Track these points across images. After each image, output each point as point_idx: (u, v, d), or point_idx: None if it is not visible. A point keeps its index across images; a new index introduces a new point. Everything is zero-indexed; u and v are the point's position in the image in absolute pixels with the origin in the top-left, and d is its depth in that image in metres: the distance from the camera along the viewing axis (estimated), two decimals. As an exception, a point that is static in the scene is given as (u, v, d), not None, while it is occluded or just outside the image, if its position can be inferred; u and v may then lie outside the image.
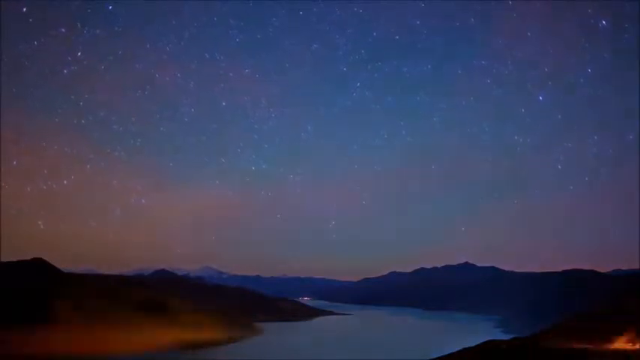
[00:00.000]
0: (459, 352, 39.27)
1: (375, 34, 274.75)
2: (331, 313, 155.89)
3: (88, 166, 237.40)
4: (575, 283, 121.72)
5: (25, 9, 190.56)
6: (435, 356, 41.21)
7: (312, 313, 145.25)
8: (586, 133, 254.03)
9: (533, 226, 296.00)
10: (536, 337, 43.07)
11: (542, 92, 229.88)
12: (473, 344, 39.49)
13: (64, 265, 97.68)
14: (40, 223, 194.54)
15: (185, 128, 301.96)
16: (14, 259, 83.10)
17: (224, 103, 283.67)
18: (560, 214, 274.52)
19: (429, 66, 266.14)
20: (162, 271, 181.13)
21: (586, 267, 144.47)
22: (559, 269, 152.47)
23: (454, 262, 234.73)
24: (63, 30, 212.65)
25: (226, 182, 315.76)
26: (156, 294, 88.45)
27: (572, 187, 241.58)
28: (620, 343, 38.45)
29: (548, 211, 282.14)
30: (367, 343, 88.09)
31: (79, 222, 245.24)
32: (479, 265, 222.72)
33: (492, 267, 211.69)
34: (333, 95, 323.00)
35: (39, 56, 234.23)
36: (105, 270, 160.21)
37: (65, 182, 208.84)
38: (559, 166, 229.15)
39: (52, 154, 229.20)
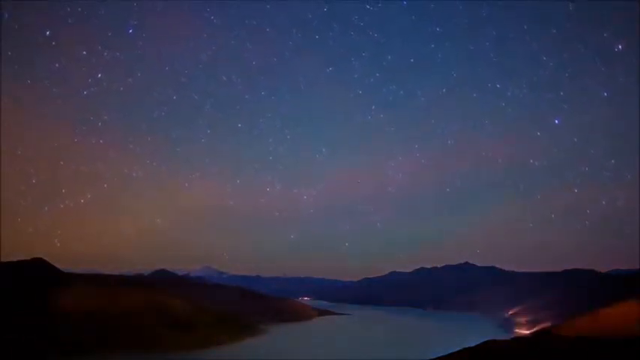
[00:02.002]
0: (459, 352, 39.29)
1: (389, 57, 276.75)
2: (331, 313, 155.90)
3: (105, 185, 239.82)
4: (575, 283, 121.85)
5: (48, 32, 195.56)
6: (435, 356, 41.18)
7: (312, 313, 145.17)
8: (602, 157, 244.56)
9: (533, 226, 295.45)
10: (537, 336, 43.10)
11: (558, 115, 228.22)
12: (473, 344, 39.50)
13: (64, 265, 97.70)
14: (56, 241, 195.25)
15: (201, 149, 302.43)
16: (14, 259, 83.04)
17: (240, 125, 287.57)
18: (560, 213, 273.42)
19: (444, 89, 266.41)
20: (162, 271, 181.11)
21: (586, 267, 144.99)
22: (559, 269, 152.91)
23: (454, 262, 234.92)
24: (84, 52, 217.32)
25: (240, 203, 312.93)
26: (156, 294, 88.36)
27: (588, 211, 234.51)
28: (620, 343, 38.46)
29: (548, 211, 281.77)
30: (367, 343, 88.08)
31: (91, 237, 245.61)
32: (479, 265, 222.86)
33: (492, 267, 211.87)
34: (347, 117, 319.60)
35: (60, 77, 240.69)
36: (105, 270, 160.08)
37: (82, 201, 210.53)
38: (575, 190, 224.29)
39: (70, 173, 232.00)
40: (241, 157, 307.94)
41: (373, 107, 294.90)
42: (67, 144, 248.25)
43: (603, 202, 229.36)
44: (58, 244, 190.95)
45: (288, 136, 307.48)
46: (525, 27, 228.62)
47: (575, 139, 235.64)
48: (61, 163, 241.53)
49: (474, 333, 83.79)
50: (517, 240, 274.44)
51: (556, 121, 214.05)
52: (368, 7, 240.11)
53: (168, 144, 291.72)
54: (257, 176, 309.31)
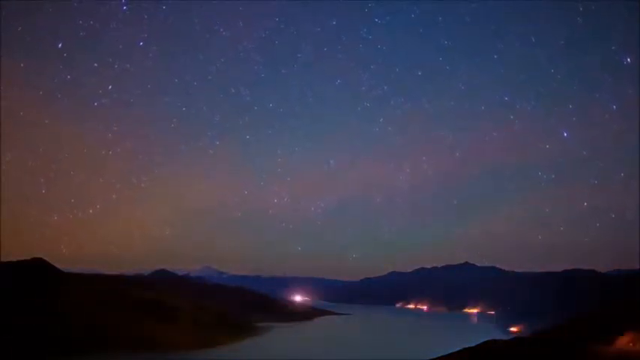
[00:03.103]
0: (459, 352, 39.28)
1: (397, 69, 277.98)
2: (331, 313, 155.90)
3: (114, 196, 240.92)
4: (575, 283, 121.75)
5: (60, 44, 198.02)
6: (435, 356, 41.18)
7: (312, 313, 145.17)
8: (612, 170, 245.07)
9: (533, 226, 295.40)
10: (537, 336, 43.09)
11: (567, 128, 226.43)
12: (473, 344, 39.49)
13: (64, 265, 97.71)
14: (62, 247, 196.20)
15: (209, 160, 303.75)
16: (14, 259, 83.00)
17: (248, 137, 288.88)
18: (561, 213, 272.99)
19: (452, 102, 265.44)
20: (162, 271, 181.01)
21: (586, 267, 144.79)
22: (559, 269, 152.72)
23: (454, 262, 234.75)
24: (95, 64, 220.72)
25: (248, 214, 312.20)
26: (156, 294, 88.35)
27: (598, 225, 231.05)
28: (621, 344, 38.43)
29: (549, 211, 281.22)
30: (367, 343, 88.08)
31: (98, 243, 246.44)
32: (479, 265, 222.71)
33: (492, 267, 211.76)
34: (355, 130, 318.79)
35: (71, 89, 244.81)
36: (105, 270, 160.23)
37: (91, 211, 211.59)
38: (585, 203, 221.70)
39: (80, 184, 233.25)
40: (249, 169, 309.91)
41: (381, 119, 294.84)
42: (77, 154, 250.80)
43: (612, 215, 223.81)
44: (65, 251, 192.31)
45: (296, 148, 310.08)
46: (533, 40, 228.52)
47: (585, 152, 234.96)
48: (71, 173, 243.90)
49: (474, 333, 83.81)
50: (517, 240, 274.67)
51: (565, 134, 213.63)
52: (376, 20, 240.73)
53: (177, 155, 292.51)
54: (265, 187, 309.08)
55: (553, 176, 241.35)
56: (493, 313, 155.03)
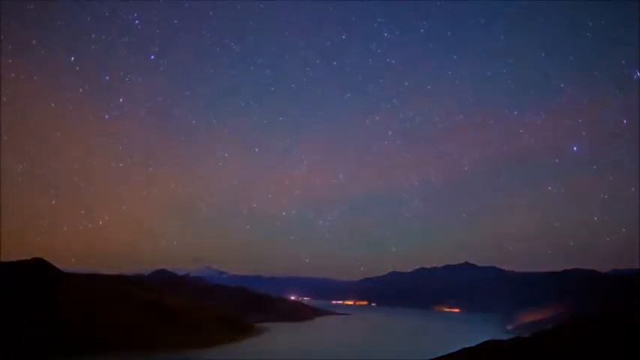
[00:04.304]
0: (459, 352, 39.19)
1: (406, 83, 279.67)
2: (331, 313, 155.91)
3: (124, 207, 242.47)
4: (575, 283, 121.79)
5: (73, 58, 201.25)
6: (435, 356, 41.11)
7: (312, 313, 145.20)
8: (622, 185, 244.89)
9: (533, 226, 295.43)
10: (537, 337, 43.01)
11: (577, 143, 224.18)
12: (473, 344, 39.42)
13: (64, 265, 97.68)
14: (72, 259, 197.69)
15: (218, 173, 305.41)
16: (14, 259, 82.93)
17: (257, 150, 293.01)
18: (561, 213, 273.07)
19: (461, 116, 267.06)
20: (162, 271, 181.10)
21: (586, 267, 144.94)
22: (559, 269, 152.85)
23: (454, 262, 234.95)
24: (107, 78, 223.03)
25: (256, 226, 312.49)
26: (156, 294, 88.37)
27: (608, 239, 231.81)
28: (620, 343, 38.40)
29: (549, 211, 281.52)
30: (367, 343, 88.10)
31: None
32: (479, 265, 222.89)
33: (492, 267, 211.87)
34: (364, 143, 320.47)
35: (83, 102, 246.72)
36: (105, 270, 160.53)
37: (100, 223, 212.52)
38: (595, 218, 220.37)
39: (90, 195, 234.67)
40: (258, 181, 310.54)
41: (390, 133, 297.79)
42: (87, 166, 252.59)
43: (624, 230, 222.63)
44: (73, 260, 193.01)
45: (305, 161, 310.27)
46: (543, 54, 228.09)
47: (595, 167, 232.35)
48: (82, 185, 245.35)
49: (474, 333, 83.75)
50: (517, 240, 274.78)
51: (574, 149, 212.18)
52: (386, 34, 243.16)
53: (187, 167, 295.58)
54: (273, 200, 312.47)
55: (563, 190, 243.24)
56: (493, 313, 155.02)
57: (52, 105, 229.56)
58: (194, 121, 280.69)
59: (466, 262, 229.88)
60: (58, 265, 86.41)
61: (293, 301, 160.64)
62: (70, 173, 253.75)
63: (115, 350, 63.04)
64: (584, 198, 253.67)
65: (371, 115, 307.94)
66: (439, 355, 40.73)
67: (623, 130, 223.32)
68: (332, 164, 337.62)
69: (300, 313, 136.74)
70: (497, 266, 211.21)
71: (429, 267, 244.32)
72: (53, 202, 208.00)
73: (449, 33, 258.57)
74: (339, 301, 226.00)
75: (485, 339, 42.05)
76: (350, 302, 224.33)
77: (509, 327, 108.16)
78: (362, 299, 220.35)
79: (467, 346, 39.52)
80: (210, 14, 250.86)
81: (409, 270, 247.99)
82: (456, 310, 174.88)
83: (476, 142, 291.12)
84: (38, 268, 79.71)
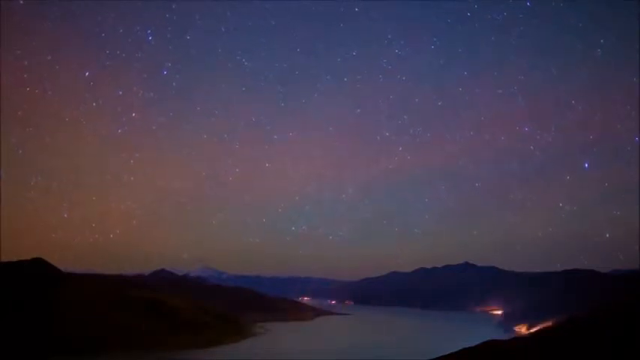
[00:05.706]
0: (459, 352, 39.23)
1: (417, 100, 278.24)
2: (331, 313, 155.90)
3: (134, 222, 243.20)
4: (575, 283, 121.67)
5: (87, 73, 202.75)
6: (435, 356, 41.13)
7: (312, 313, 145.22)
8: (635, 202, 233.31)
9: (533, 226, 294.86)
10: (537, 336, 43.04)
11: (588, 159, 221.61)
12: (473, 344, 39.44)
13: (64, 265, 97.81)
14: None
15: (229, 187, 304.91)
16: (14, 259, 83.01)
17: (267, 165, 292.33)
18: (561, 213, 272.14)
19: (471, 132, 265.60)
20: (162, 271, 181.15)
21: (586, 267, 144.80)
22: (559, 269, 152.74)
23: (454, 262, 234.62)
24: (120, 92, 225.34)
25: (266, 241, 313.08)
26: (156, 294, 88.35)
27: (621, 257, 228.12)
28: (620, 343, 38.40)
29: (549, 211, 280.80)
30: (367, 343, 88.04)
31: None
32: (479, 265, 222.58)
33: (492, 267, 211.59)
34: (374, 159, 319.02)
35: (97, 116, 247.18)
36: (105, 270, 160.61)
37: (111, 236, 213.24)
38: (607, 235, 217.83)
39: (101, 209, 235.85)
40: (268, 196, 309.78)
41: (400, 149, 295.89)
42: (99, 180, 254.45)
43: (636, 247, 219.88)
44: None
45: (315, 176, 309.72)
46: (554, 72, 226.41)
47: (606, 184, 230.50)
48: (94, 199, 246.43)
49: (474, 333, 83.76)
50: (517, 240, 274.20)
51: (586, 165, 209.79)
52: (397, 51, 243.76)
53: (198, 182, 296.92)
54: (283, 215, 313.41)
55: (575, 208, 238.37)
56: (493, 313, 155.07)
57: (67, 120, 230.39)
58: (205, 136, 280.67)
59: (466, 262, 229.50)
60: (57, 265, 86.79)
61: (293, 301, 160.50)
62: (81, 187, 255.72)
63: (115, 350, 63.08)
64: (594, 214, 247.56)
65: (381, 130, 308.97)
66: (439, 355, 40.76)
67: (636, 146, 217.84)
68: (342, 179, 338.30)
69: (300, 313, 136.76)
70: (497, 266, 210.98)
71: (429, 267, 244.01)
72: (65, 216, 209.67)
73: (459, 50, 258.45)
74: (339, 301, 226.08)
75: (486, 339, 42.11)
76: (350, 302, 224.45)
77: (509, 327, 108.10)
78: (362, 299, 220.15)
79: (467, 346, 39.56)
80: (222, 30, 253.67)
81: (409, 270, 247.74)
82: (456, 310, 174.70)
83: (486, 159, 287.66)
84: (38, 268, 79.82)
